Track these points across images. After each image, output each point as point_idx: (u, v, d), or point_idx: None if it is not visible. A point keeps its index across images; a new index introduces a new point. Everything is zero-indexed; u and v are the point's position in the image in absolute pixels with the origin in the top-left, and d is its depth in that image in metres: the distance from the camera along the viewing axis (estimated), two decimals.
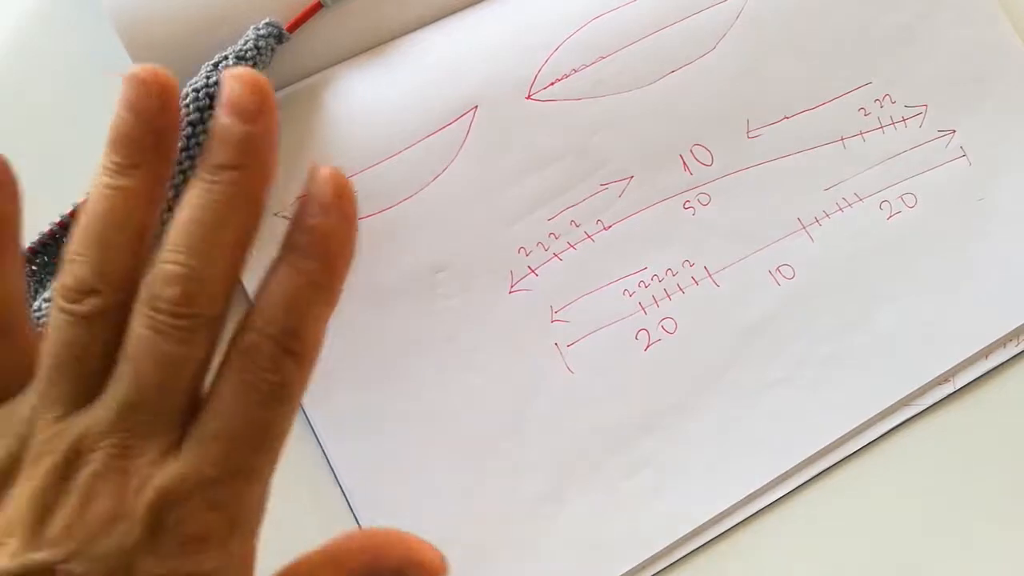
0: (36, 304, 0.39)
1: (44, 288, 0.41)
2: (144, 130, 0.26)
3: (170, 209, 0.27)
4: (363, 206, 0.41)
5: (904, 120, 0.44)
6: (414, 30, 0.43)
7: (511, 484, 0.40)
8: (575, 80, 0.42)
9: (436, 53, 0.43)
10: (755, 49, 0.43)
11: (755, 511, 0.40)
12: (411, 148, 0.42)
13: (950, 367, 0.41)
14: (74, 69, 0.45)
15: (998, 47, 0.44)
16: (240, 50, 0.40)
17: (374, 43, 0.43)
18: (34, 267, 0.41)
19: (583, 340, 0.41)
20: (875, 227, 0.43)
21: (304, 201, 0.26)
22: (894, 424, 0.41)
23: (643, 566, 0.40)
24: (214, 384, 0.26)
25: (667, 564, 0.40)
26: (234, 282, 0.26)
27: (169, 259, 0.25)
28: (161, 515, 0.25)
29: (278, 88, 0.43)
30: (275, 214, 0.41)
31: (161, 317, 0.25)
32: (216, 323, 0.26)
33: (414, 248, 0.41)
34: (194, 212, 0.26)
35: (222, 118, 0.26)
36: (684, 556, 0.40)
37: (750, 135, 0.43)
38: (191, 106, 0.39)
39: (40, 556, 0.25)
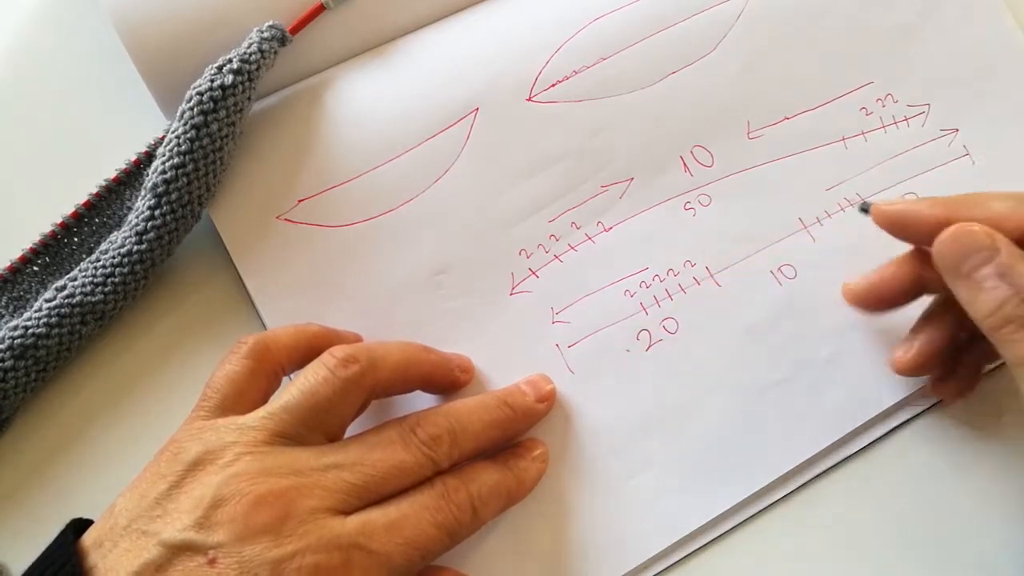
0: (36, 304, 0.40)
1: (44, 288, 0.41)
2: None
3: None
4: (365, 208, 0.41)
5: (906, 119, 0.43)
6: (415, 32, 0.44)
7: None
8: (576, 82, 0.43)
9: (437, 55, 0.43)
10: (755, 50, 0.43)
11: (756, 511, 0.40)
12: (412, 150, 0.42)
13: None
14: (74, 69, 0.45)
15: (1002, 44, 0.44)
16: (244, 53, 0.40)
17: (376, 45, 0.44)
18: (35, 267, 0.41)
19: (584, 341, 0.41)
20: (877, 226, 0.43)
21: (528, 445, 0.39)
22: (894, 425, 0.41)
23: (644, 567, 0.39)
24: (417, 490, 0.35)
25: (668, 565, 0.40)
26: (477, 453, 0.37)
27: (441, 415, 0.37)
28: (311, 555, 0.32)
29: (279, 89, 0.43)
30: (276, 217, 0.41)
31: (421, 445, 0.35)
32: (448, 452, 0.36)
33: (415, 250, 0.42)
34: (483, 413, 0.38)
35: (531, 396, 0.39)
36: (684, 557, 0.40)
37: (751, 136, 0.43)
38: (195, 109, 0.39)
39: (198, 538, 0.31)
